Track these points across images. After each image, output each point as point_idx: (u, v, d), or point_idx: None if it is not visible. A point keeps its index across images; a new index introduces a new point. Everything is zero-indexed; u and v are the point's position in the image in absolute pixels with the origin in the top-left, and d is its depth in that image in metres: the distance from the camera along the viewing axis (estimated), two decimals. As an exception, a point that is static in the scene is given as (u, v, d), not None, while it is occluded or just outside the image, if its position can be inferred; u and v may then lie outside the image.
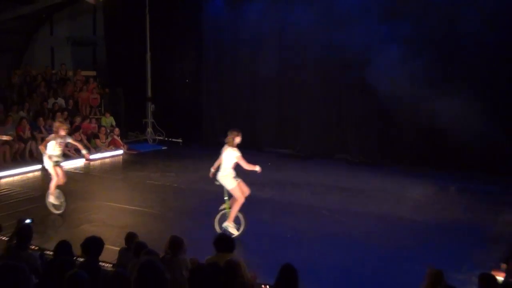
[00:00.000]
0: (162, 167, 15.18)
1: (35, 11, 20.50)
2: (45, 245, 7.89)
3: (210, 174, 9.75)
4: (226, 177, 9.45)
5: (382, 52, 14.40)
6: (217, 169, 9.60)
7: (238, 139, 9.55)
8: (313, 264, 8.21)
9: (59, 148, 10.80)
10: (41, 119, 16.03)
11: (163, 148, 18.16)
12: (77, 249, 6.11)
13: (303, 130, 16.81)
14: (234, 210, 9.48)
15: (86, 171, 15.01)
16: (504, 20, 13.94)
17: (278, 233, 10.05)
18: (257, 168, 9.43)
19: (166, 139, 18.68)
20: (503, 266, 8.15)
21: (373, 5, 15.23)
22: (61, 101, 17.61)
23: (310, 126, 16.64)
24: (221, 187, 9.50)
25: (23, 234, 6.03)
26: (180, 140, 18.51)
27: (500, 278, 6.81)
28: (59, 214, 10.84)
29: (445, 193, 13.12)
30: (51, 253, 6.28)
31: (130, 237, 6.85)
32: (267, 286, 6.18)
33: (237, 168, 9.55)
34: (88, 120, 17.43)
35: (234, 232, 9.42)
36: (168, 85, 18.71)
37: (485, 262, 8.44)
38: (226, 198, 9.59)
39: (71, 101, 17.90)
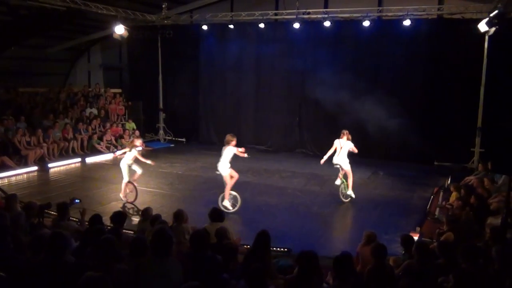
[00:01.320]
0: (170, 159, 14.98)
1: (77, 44, 20.35)
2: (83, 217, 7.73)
3: (322, 162, 10.18)
4: (345, 160, 10.03)
5: (328, 74, 14.48)
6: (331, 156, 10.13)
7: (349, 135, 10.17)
8: (281, 229, 8.17)
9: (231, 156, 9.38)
10: (80, 124, 15.74)
11: (171, 145, 17.94)
12: (107, 220, 6.01)
13: (273, 131, 16.79)
14: (352, 181, 10.27)
15: (114, 162, 14.71)
16: (411, 50, 14.18)
17: (256, 207, 10.02)
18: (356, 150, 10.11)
19: (173, 138, 18.49)
20: (418, 229, 8.25)
21: (321, 41, 15.22)
22: (95, 111, 17.30)
23: (278, 128, 16.64)
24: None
25: (60, 210, 5.91)
26: (184, 140, 18.34)
27: (415, 237, 6.87)
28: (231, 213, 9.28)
29: (375, 176, 13.19)
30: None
31: (146, 211, 6.76)
32: (248, 246, 6.12)
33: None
34: (115, 125, 17.18)
35: (353, 195, 10.28)
36: (175, 99, 18.52)
37: (405, 226, 8.52)
38: (340, 175, 10.22)
39: (103, 111, 17.58)
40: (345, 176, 10.26)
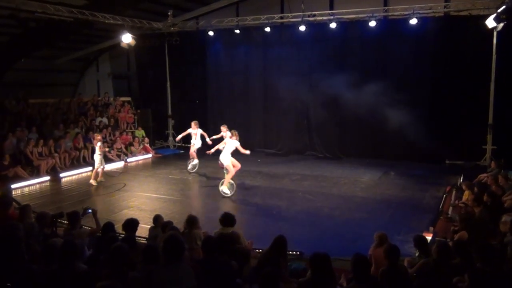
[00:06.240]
0: (180, 165, 15.00)
1: (85, 54, 20.54)
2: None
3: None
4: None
5: (335, 76, 14.46)
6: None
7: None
8: (292, 232, 8.13)
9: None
10: (91, 133, 15.81)
11: (180, 151, 17.98)
12: (119, 228, 6.04)
13: (282, 134, 16.77)
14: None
15: (125, 170, 14.84)
16: (419, 49, 14.13)
17: (267, 211, 10.01)
18: None
19: (182, 145, 18.53)
20: (431, 229, 8.17)
21: (327, 42, 15.26)
22: (105, 120, 17.44)
23: (287, 131, 16.62)
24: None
25: (71, 219, 5.94)
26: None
27: (428, 237, 6.81)
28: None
29: (386, 177, 13.09)
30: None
31: (157, 218, 6.78)
32: (260, 250, 6.10)
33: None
34: (125, 133, 17.30)
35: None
36: (183, 106, 18.58)
37: (418, 226, 8.43)
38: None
39: (112, 120, 17.77)
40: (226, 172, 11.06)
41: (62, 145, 14.45)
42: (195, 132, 13.55)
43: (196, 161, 13.80)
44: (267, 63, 16.67)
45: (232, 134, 11.11)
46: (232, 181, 11.03)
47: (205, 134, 13.54)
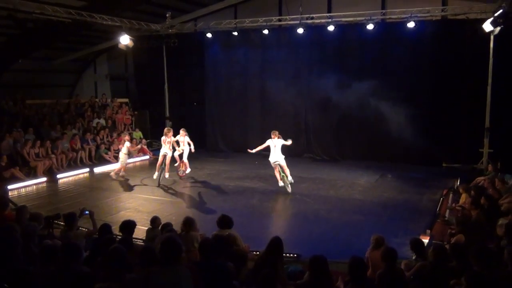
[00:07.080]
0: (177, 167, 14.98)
1: (83, 55, 20.52)
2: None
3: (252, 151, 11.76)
4: (281, 157, 11.40)
5: (333, 78, 14.52)
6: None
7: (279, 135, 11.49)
8: (289, 235, 8.15)
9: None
10: (88, 134, 15.83)
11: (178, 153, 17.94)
12: (116, 230, 6.03)
13: (280, 136, 16.75)
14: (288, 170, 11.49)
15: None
16: (416, 52, 14.17)
17: (264, 213, 10.00)
18: None
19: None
20: (428, 232, 8.17)
21: (325, 45, 15.33)
22: (102, 121, 17.42)
23: (285, 133, 16.46)
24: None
25: (68, 220, 5.93)
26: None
27: (425, 240, 6.82)
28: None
29: (384, 179, 13.10)
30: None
31: (154, 220, 6.77)
32: (257, 253, 6.09)
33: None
34: (123, 134, 17.25)
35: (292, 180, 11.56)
36: (181, 108, 18.62)
37: (415, 229, 8.44)
38: (278, 175, 11.47)
39: (110, 121, 17.74)
40: (282, 170, 11.31)
41: (59, 146, 14.41)
42: (169, 141, 12.56)
43: (167, 174, 12.64)
44: (265, 65, 16.70)
45: (274, 134, 11.34)
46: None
47: (175, 144, 12.84)
